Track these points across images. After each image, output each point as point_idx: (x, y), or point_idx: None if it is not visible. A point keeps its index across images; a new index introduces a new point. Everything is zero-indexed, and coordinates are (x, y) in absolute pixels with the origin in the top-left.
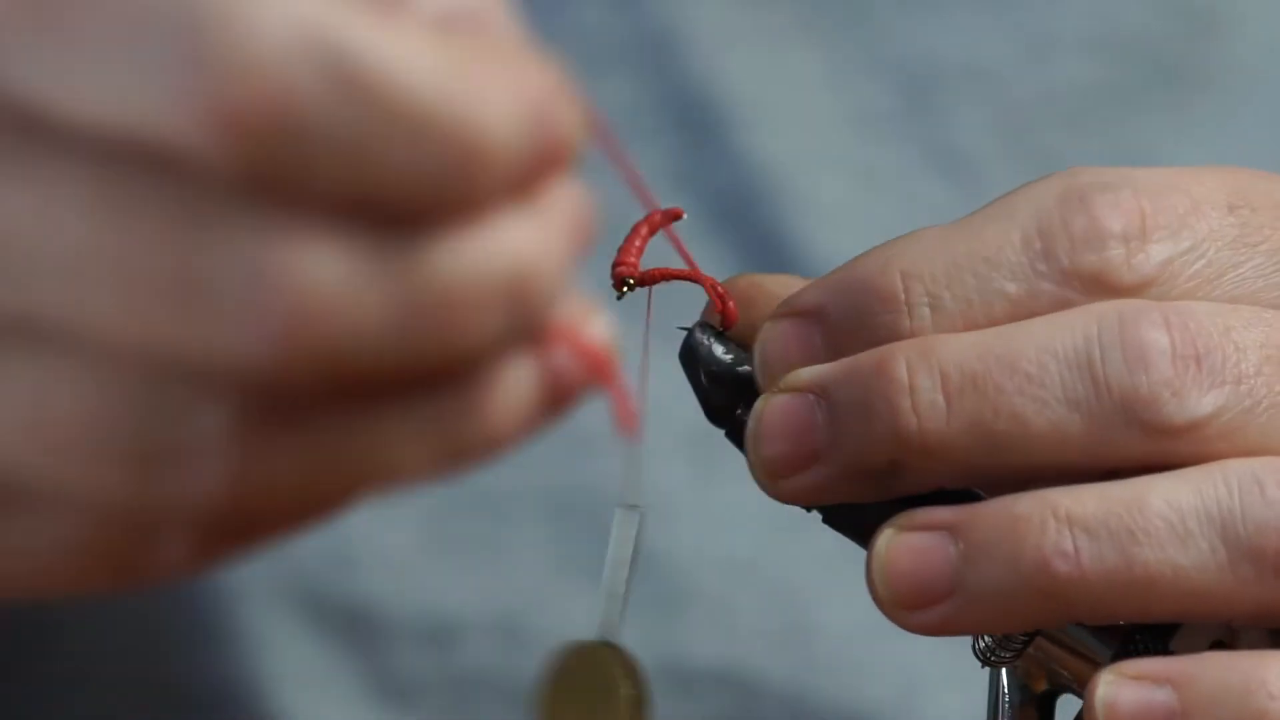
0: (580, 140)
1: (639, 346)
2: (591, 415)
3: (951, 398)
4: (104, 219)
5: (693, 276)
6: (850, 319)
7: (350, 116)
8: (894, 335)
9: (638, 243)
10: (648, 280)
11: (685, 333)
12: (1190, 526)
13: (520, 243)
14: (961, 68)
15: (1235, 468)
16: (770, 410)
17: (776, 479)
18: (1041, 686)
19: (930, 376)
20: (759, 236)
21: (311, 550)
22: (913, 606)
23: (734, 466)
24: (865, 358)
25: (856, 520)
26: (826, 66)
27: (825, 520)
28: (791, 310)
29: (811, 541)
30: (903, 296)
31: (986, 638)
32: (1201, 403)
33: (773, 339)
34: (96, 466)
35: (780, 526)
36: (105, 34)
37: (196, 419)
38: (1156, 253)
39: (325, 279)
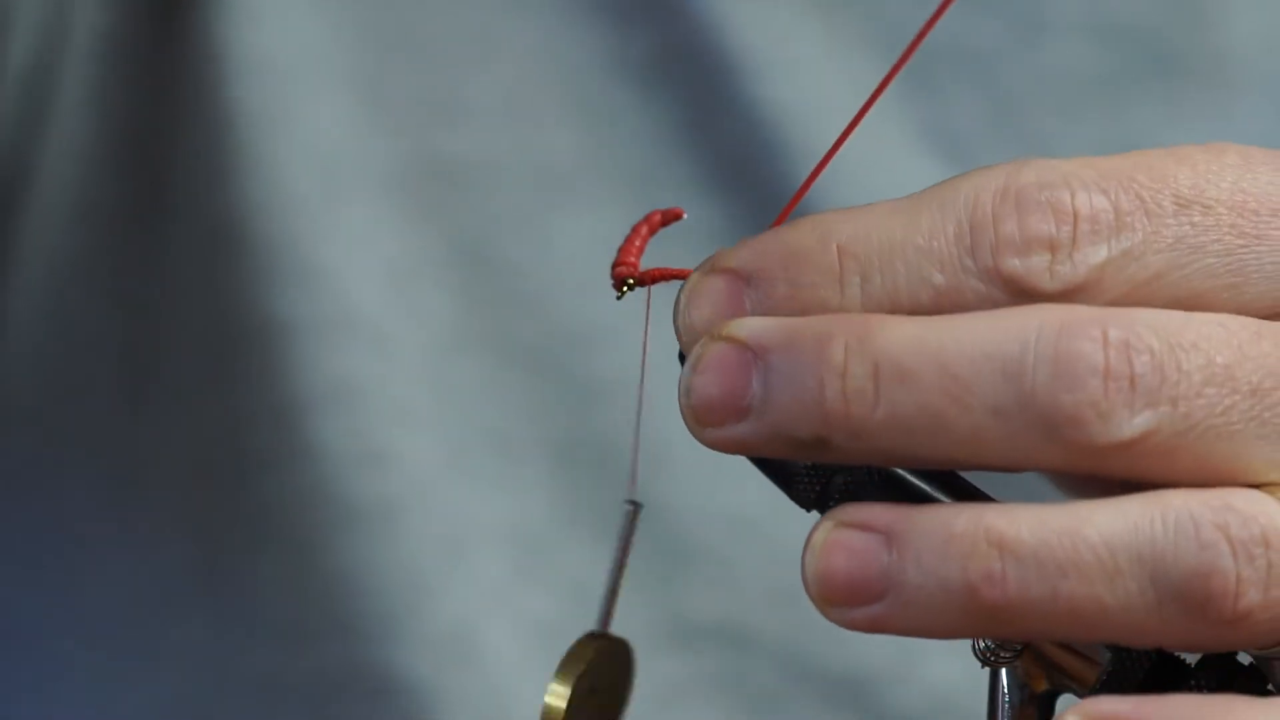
0: None
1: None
2: (600, 364)
3: (880, 388)
4: None
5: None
6: (783, 286)
7: None
8: (823, 307)
9: (638, 243)
10: (647, 280)
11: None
12: (1120, 564)
13: None
14: (955, 49)
15: (1175, 504)
16: (708, 357)
17: (704, 426)
18: (1041, 686)
19: (864, 362)
20: (768, 189)
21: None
22: (842, 605)
23: None
24: (807, 329)
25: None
26: (826, 44)
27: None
28: (724, 267)
29: None
30: (837, 271)
31: (986, 637)
32: (1131, 424)
33: (702, 293)
34: None
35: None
36: None
37: None
38: (1085, 258)
39: None
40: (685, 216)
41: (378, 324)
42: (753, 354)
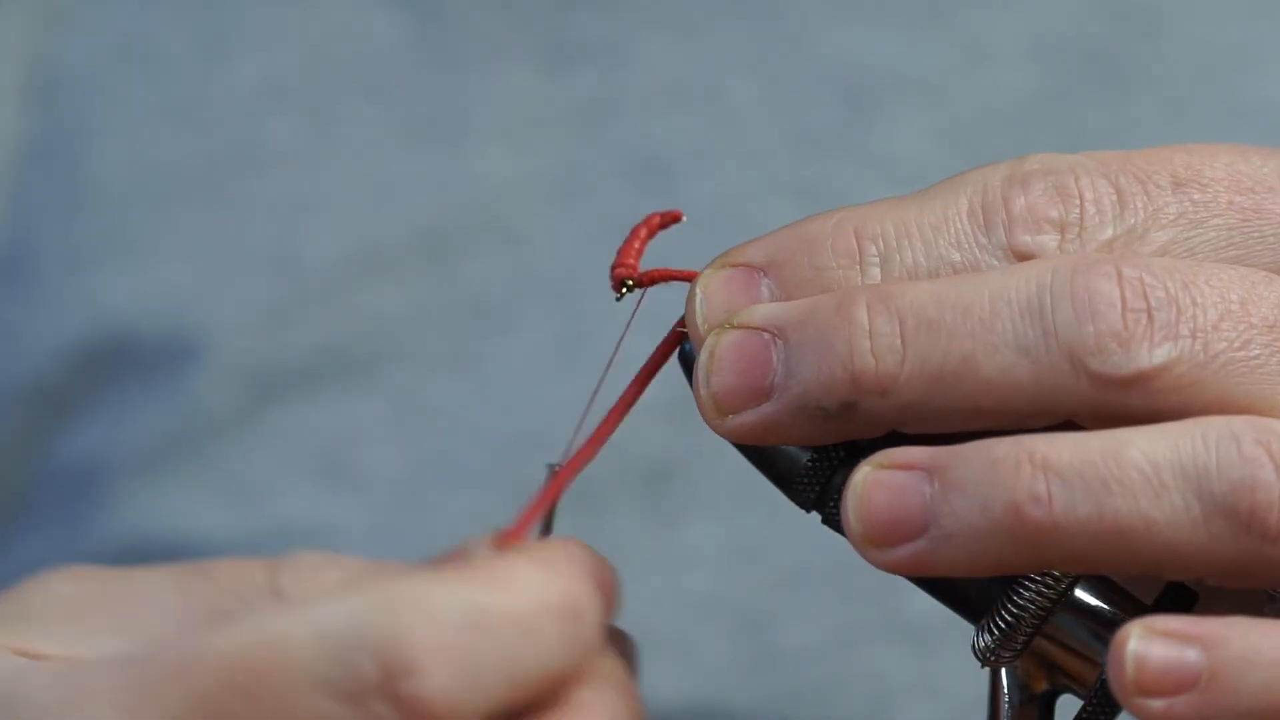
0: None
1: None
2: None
3: (907, 340)
4: None
5: (691, 277)
6: (803, 270)
7: (500, 648)
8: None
9: (637, 245)
10: (646, 281)
11: (683, 334)
12: (1165, 480)
13: None
14: (899, 80)
15: (1214, 424)
16: (724, 345)
17: (724, 413)
18: (1041, 686)
19: (889, 320)
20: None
21: None
22: (885, 543)
23: (687, 504)
24: (824, 299)
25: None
26: (765, 91)
27: (825, 521)
28: (736, 261)
29: (771, 565)
30: (857, 253)
31: (986, 637)
32: (1152, 354)
33: (716, 285)
34: None
35: (740, 554)
36: None
37: None
38: (1092, 237)
39: None
40: (684, 219)
41: (312, 522)
42: (770, 335)
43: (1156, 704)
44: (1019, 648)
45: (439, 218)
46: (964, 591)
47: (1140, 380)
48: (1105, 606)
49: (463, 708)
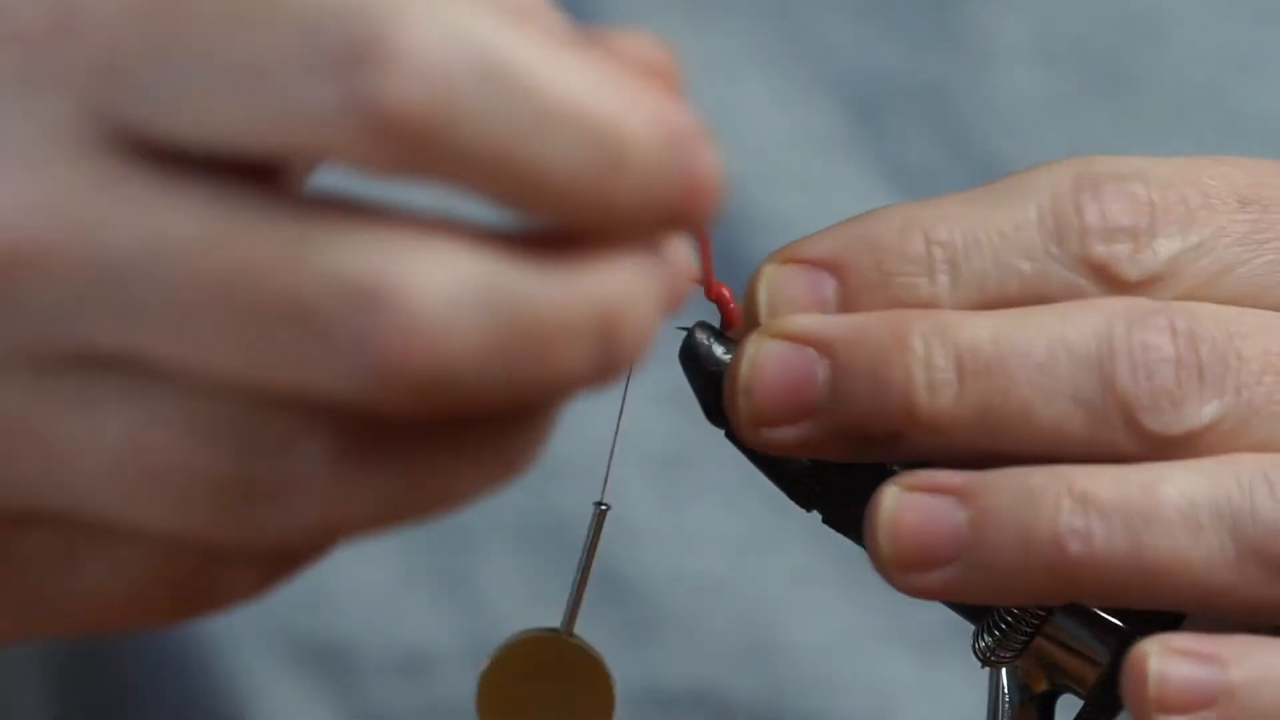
0: (717, 192)
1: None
2: (561, 442)
3: (965, 378)
4: (212, 239)
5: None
6: (870, 274)
7: (503, 114)
8: (912, 297)
9: None
10: None
11: (685, 333)
12: (1202, 520)
13: (619, 286)
14: (905, 84)
15: (1248, 464)
16: (768, 358)
17: (761, 428)
18: (1041, 686)
19: (946, 354)
20: (715, 255)
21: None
22: (914, 568)
23: (702, 487)
24: (877, 322)
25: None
26: (776, 88)
27: (826, 521)
28: (801, 257)
29: (781, 558)
30: (926, 260)
31: (986, 637)
32: (1201, 413)
33: (782, 283)
34: (188, 503)
35: (749, 545)
36: (252, 49)
37: (295, 452)
38: (1163, 248)
39: (440, 300)
40: None
41: None
42: (816, 350)
43: None
44: (1019, 648)
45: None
46: None
47: (1188, 439)
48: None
49: (428, 120)
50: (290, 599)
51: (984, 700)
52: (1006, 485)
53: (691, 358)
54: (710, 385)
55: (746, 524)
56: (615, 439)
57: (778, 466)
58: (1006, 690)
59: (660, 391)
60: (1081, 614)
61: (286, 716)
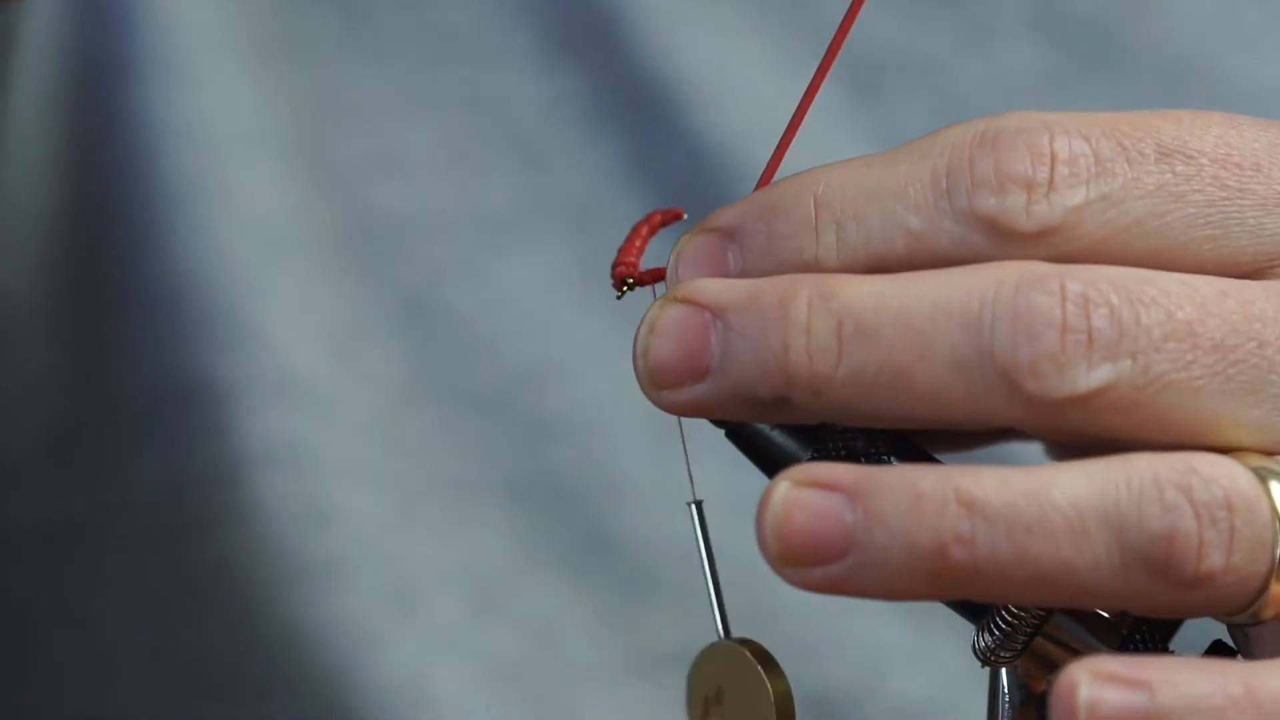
0: None
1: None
2: (553, 402)
3: (844, 343)
4: None
5: None
6: (760, 239)
7: None
8: (798, 260)
9: (638, 243)
10: (648, 280)
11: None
12: (1088, 526)
13: None
14: (903, 56)
15: (1139, 466)
16: (664, 319)
17: (660, 389)
18: (1041, 686)
19: (828, 320)
20: None
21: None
22: (800, 564)
23: (695, 449)
24: (767, 288)
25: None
26: (773, 58)
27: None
28: (710, 227)
29: None
30: (813, 221)
31: (986, 637)
32: (1089, 377)
33: (688, 253)
34: None
35: (742, 510)
36: None
37: None
38: (1062, 199)
39: None
40: (685, 217)
41: (321, 385)
42: (711, 314)
43: None
44: (1019, 648)
45: (463, 133)
46: None
47: (1074, 403)
48: None
49: None
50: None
51: (976, 665)
52: (895, 485)
53: None
54: None
55: (739, 488)
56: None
57: (778, 467)
58: (1006, 690)
59: None
60: (1081, 614)
61: (287, 630)
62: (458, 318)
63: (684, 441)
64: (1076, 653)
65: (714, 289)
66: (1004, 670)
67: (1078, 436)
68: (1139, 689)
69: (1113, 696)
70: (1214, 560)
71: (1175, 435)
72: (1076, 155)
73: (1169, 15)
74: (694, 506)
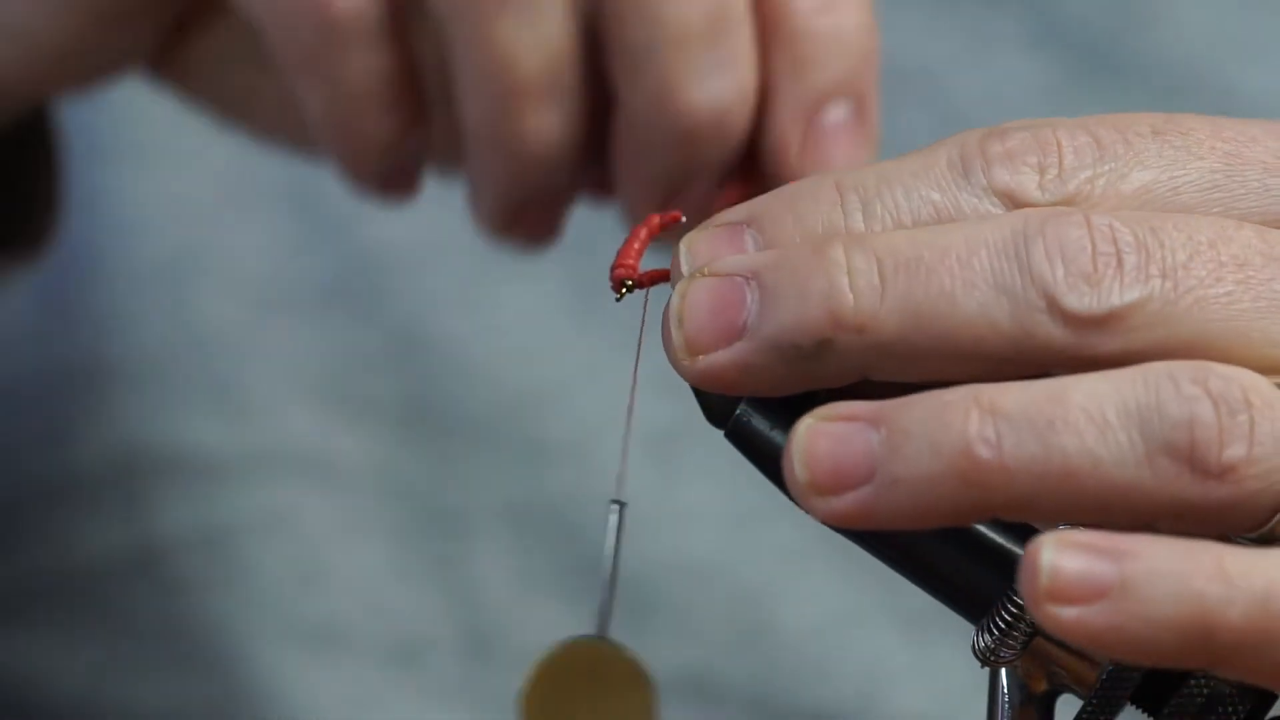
0: None
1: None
2: (551, 426)
3: (886, 278)
4: None
5: None
6: (784, 219)
7: None
8: (829, 231)
9: (637, 245)
10: (647, 281)
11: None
12: (1110, 418)
13: None
14: (905, 69)
15: (1154, 368)
16: (695, 288)
17: (695, 354)
18: (1041, 686)
19: (867, 259)
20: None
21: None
22: (829, 491)
23: (693, 468)
24: (799, 244)
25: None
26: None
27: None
28: (720, 222)
29: (771, 540)
30: (838, 199)
31: (986, 637)
32: (1123, 294)
33: (702, 242)
34: None
35: (740, 526)
36: None
37: None
38: (1073, 174)
39: None
40: (684, 220)
41: (312, 449)
42: (743, 279)
43: (1069, 612)
44: (1019, 648)
45: None
46: (963, 590)
47: (1113, 319)
48: None
49: None
50: (286, 579)
51: (978, 679)
52: (918, 402)
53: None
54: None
55: (737, 504)
56: (628, 431)
57: (777, 465)
58: (1006, 690)
59: (651, 374)
60: None
61: (280, 696)
62: (453, 346)
63: (626, 441)
64: (1076, 653)
65: (740, 258)
66: (1004, 670)
67: (1113, 363)
68: (1104, 556)
69: (1077, 562)
70: (1236, 450)
71: (1210, 356)
72: (1080, 143)
73: (1169, 28)
74: (618, 507)
